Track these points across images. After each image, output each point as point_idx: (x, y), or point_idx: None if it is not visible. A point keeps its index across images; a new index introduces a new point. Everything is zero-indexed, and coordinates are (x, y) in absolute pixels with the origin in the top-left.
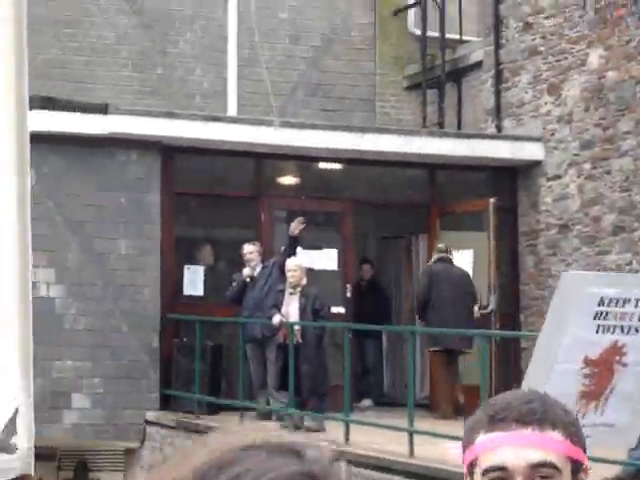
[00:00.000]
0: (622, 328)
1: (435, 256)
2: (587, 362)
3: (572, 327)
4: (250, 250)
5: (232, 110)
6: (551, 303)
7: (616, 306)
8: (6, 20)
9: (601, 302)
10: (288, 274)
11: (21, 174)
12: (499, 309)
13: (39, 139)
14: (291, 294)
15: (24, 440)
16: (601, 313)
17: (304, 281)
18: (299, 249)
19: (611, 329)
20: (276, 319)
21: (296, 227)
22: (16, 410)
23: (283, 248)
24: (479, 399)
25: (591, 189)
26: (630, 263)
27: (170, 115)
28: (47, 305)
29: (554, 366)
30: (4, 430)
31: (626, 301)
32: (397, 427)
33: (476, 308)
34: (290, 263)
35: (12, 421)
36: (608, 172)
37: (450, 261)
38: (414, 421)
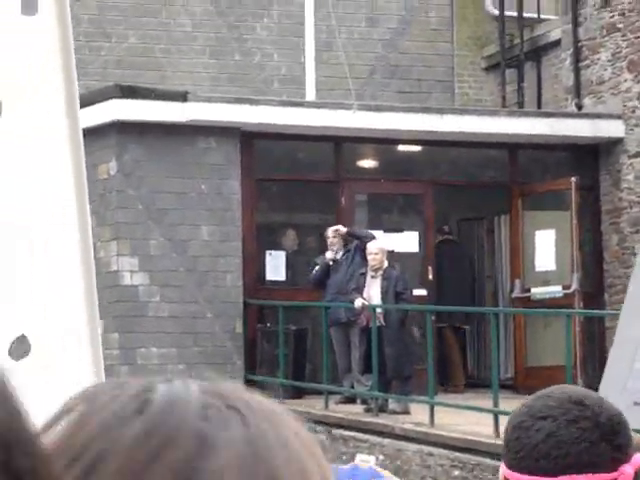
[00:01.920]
0: None
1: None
2: None
3: None
4: (332, 234)
5: (310, 95)
6: (630, 281)
7: None
8: (50, 14)
9: None
10: (369, 257)
11: (78, 170)
12: (582, 288)
13: (120, 128)
14: (373, 277)
15: None
16: None
17: (385, 264)
18: (380, 232)
19: None
20: (358, 302)
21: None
22: None
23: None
24: (564, 379)
25: None
26: None
27: (249, 101)
28: (131, 293)
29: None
30: None
31: None
32: (482, 408)
33: None
34: (371, 246)
35: None
36: None
37: (454, 242)
38: (499, 402)
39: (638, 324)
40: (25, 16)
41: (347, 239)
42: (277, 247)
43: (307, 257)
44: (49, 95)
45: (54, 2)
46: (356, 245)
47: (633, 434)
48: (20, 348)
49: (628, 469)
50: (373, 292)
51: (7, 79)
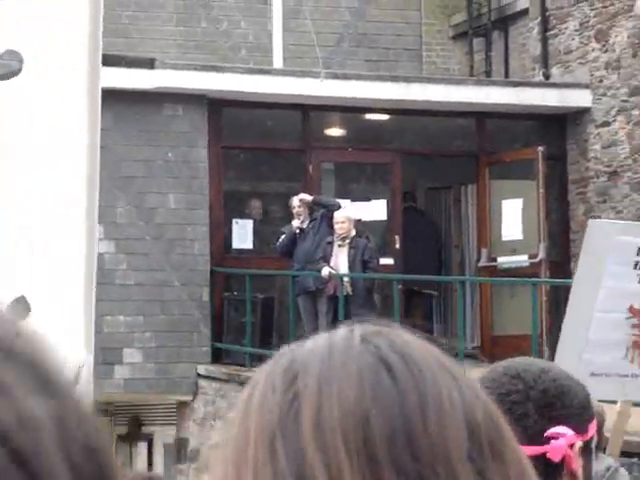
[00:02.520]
0: None
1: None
2: (633, 312)
3: (608, 277)
4: (298, 203)
5: (278, 63)
6: (581, 252)
7: None
8: None
9: None
10: (336, 226)
11: (92, 130)
12: (549, 258)
13: None
14: (340, 246)
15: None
16: None
17: (352, 232)
18: (347, 201)
19: None
20: (325, 271)
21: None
22: (80, 367)
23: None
24: (530, 347)
25: None
26: None
27: (216, 68)
28: (97, 261)
29: (594, 314)
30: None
31: None
32: None
33: None
34: (338, 215)
35: (76, 378)
36: None
37: (419, 210)
38: (465, 370)
39: (590, 294)
40: None
41: (313, 208)
42: (244, 215)
43: (274, 225)
44: (73, 61)
45: None
46: (322, 214)
47: (595, 404)
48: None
49: (559, 442)
50: (340, 261)
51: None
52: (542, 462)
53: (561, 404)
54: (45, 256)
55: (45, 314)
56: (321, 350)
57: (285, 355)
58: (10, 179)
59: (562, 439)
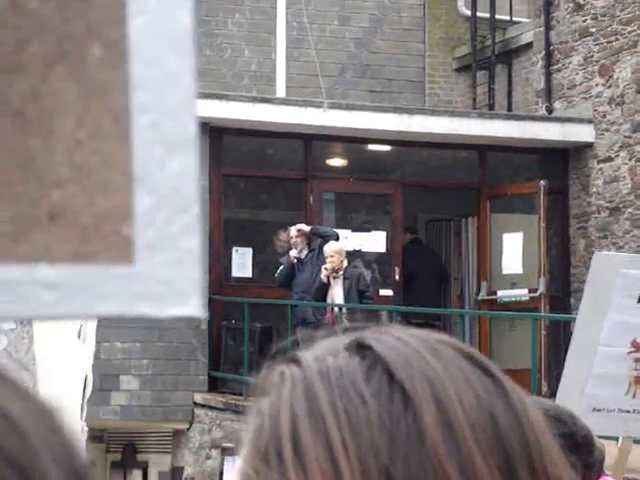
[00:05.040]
0: None
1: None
2: (636, 346)
3: (613, 310)
4: (295, 233)
5: (281, 92)
6: (586, 285)
7: None
8: None
9: None
10: (327, 260)
11: None
12: (549, 292)
13: None
14: (335, 277)
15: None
16: None
17: (345, 264)
18: (348, 231)
19: None
20: (323, 273)
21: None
22: (86, 377)
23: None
24: (530, 382)
25: None
26: None
27: (218, 96)
28: None
29: (598, 348)
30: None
31: None
32: None
33: None
34: (327, 249)
35: (84, 388)
36: None
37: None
38: None
39: (594, 328)
40: None
41: (311, 238)
42: (244, 243)
43: (274, 254)
44: None
45: None
46: (320, 244)
47: (596, 440)
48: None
49: None
50: (336, 292)
51: None
52: None
53: (595, 451)
54: None
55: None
56: (407, 350)
57: (341, 359)
58: None
59: None
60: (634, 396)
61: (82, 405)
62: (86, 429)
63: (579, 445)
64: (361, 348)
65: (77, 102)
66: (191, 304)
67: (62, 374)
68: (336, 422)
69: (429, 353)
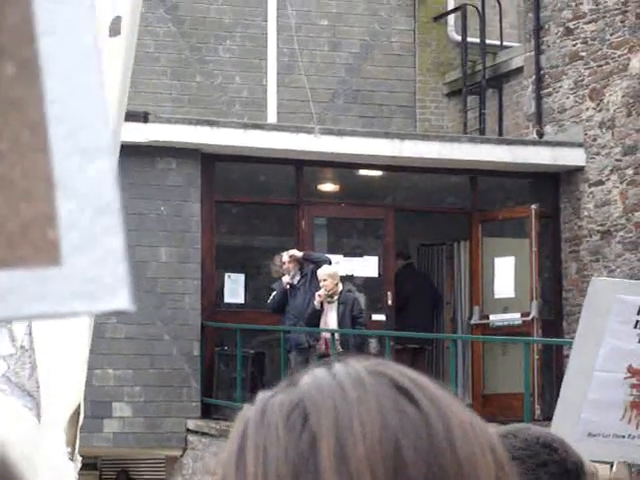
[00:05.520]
0: None
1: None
2: (632, 372)
3: (609, 336)
4: (287, 259)
5: (272, 118)
6: (583, 310)
7: None
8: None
9: None
10: (320, 284)
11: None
12: (541, 316)
13: None
14: (329, 302)
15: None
16: None
17: (339, 288)
18: (340, 257)
19: None
20: (317, 300)
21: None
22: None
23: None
24: (522, 406)
25: (634, 195)
26: None
27: (210, 123)
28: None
29: (594, 373)
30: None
31: None
32: None
33: None
34: (320, 273)
35: (77, 415)
36: None
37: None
38: None
39: (590, 353)
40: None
41: (303, 263)
42: (236, 269)
43: (267, 280)
44: None
45: (130, 26)
46: (312, 269)
47: (587, 463)
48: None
49: None
50: (330, 317)
51: None
52: None
53: (585, 477)
54: None
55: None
56: (328, 385)
57: (280, 394)
58: None
59: None
60: (629, 421)
61: (76, 434)
62: (79, 458)
63: (569, 471)
64: (290, 386)
65: None
66: (119, 298)
67: (63, 401)
68: (254, 458)
69: (352, 386)
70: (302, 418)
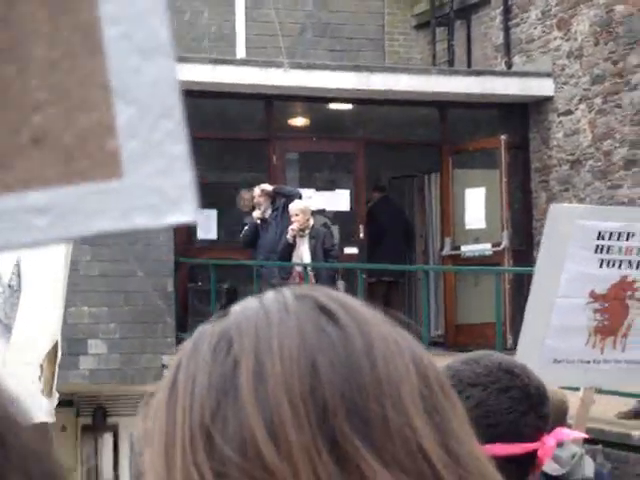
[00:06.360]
0: (630, 262)
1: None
2: (594, 296)
3: (570, 262)
4: (258, 193)
5: (241, 53)
6: (543, 237)
7: (619, 240)
8: None
9: (600, 236)
10: (292, 219)
11: None
12: (512, 246)
13: None
14: (301, 236)
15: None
16: (602, 247)
17: (311, 222)
18: (312, 191)
19: (617, 263)
20: (290, 233)
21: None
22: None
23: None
24: (495, 335)
25: (602, 124)
26: None
27: (178, 59)
28: None
29: (555, 300)
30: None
31: (630, 235)
32: None
33: None
34: (292, 208)
35: (55, 351)
36: (619, 106)
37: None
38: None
39: (552, 280)
40: None
41: (275, 197)
42: (208, 205)
43: (239, 216)
44: None
45: None
46: (284, 203)
47: (555, 390)
48: None
49: (550, 440)
50: (302, 251)
51: None
52: (514, 459)
53: (548, 402)
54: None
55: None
56: (254, 312)
57: (213, 325)
58: None
59: (552, 439)
60: (594, 346)
61: (54, 371)
62: (57, 395)
63: (531, 396)
64: (222, 317)
65: (46, 23)
66: (184, 210)
67: (40, 337)
68: (184, 389)
69: (276, 310)
70: (227, 344)
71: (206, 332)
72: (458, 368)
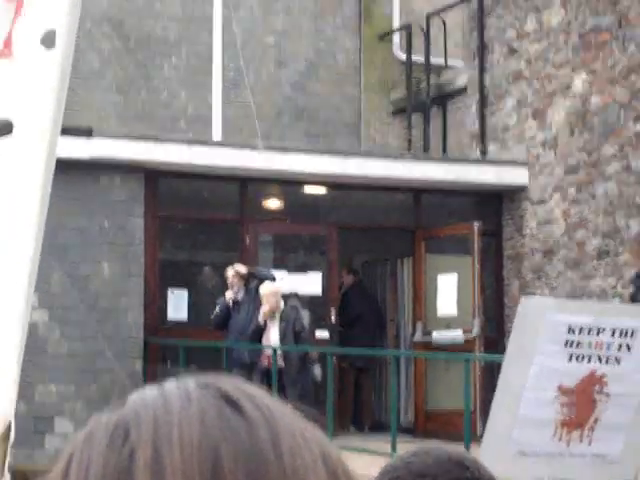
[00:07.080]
0: (599, 357)
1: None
2: (563, 390)
3: (539, 355)
4: (232, 273)
5: (217, 134)
6: (512, 330)
7: (589, 334)
8: (60, 50)
9: (570, 330)
10: (262, 301)
11: (43, 200)
12: (484, 333)
13: None
14: (271, 319)
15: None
16: (572, 341)
17: (281, 305)
18: (284, 272)
19: (586, 358)
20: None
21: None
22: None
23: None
24: (463, 423)
25: (576, 213)
26: (615, 287)
27: (154, 139)
28: (30, 329)
29: (523, 393)
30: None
31: (600, 330)
32: (380, 452)
33: None
34: (262, 290)
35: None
36: (593, 196)
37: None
38: (397, 445)
39: (520, 373)
40: (44, 48)
41: (248, 279)
42: (180, 285)
43: (210, 296)
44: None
45: (66, 39)
46: (256, 285)
47: None
48: None
49: None
50: (272, 334)
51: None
52: None
53: None
54: None
55: None
56: (153, 399)
57: (109, 413)
58: None
59: None
60: (560, 439)
61: (6, 451)
62: (8, 475)
63: None
64: (119, 405)
65: None
66: None
67: None
68: (76, 477)
69: (177, 398)
70: (124, 433)
71: (102, 420)
72: (408, 460)
